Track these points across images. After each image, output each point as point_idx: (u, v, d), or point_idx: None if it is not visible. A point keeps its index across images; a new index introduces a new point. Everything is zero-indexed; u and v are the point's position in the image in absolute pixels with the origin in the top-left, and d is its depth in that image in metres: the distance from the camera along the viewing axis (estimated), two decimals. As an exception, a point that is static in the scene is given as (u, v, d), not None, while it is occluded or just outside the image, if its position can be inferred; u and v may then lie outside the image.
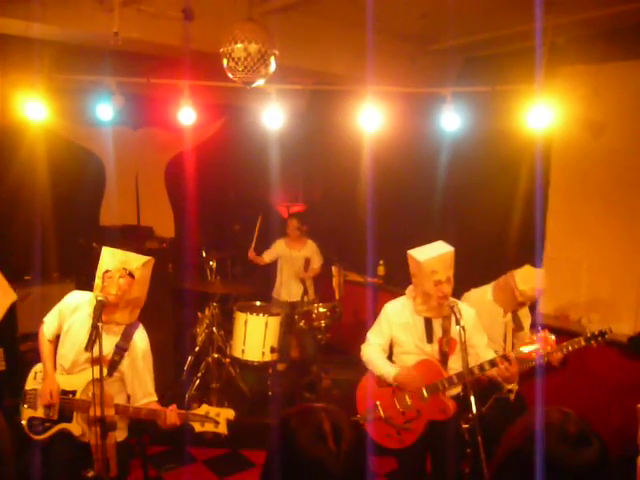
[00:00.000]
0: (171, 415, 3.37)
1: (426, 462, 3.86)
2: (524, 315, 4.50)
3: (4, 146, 6.09)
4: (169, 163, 7.98)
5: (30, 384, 3.60)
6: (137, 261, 3.47)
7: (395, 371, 3.74)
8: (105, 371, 3.32)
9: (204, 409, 3.41)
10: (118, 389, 3.54)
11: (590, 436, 1.49)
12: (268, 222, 6.98)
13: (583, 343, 3.99)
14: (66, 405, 3.46)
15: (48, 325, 3.61)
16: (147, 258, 3.52)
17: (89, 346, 3.29)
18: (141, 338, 3.58)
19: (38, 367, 3.63)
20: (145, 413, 3.45)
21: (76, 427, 3.44)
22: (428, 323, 3.73)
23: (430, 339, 3.72)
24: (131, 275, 3.42)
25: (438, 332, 3.71)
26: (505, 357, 3.54)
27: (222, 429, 3.37)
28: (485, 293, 4.45)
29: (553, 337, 3.61)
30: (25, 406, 3.54)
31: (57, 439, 3.49)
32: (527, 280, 4.19)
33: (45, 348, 3.60)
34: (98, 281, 3.43)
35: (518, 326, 4.41)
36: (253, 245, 6.85)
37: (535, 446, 1.48)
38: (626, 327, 5.31)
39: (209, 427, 3.38)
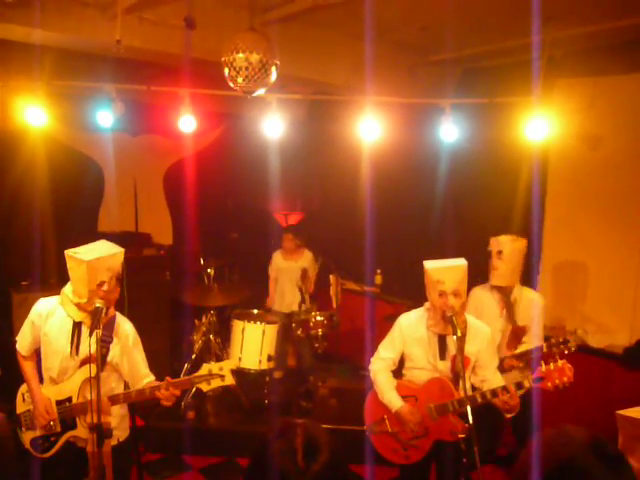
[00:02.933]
0: (170, 387, 3.35)
1: (430, 477, 3.82)
2: (526, 306, 4.49)
3: (4, 151, 6.10)
4: (168, 170, 8.01)
5: (21, 407, 3.51)
6: (119, 259, 3.40)
7: (399, 404, 3.66)
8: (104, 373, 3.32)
9: (206, 368, 3.42)
10: (116, 380, 3.52)
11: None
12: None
13: (545, 350, 3.96)
14: (66, 413, 3.40)
15: (22, 341, 3.51)
16: (122, 250, 3.44)
17: (74, 350, 3.34)
18: (126, 324, 3.55)
19: (24, 388, 3.54)
20: (149, 392, 3.39)
21: (83, 431, 3.39)
22: (442, 339, 3.62)
23: (443, 356, 3.63)
24: (118, 277, 3.39)
25: (452, 349, 3.58)
26: (506, 388, 3.43)
27: (229, 380, 3.42)
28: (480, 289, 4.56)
29: (572, 369, 3.41)
30: (23, 429, 3.47)
31: (59, 448, 3.44)
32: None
33: (26, 367, 3.50)
34: (90, 294, 3.29)
35: (511, 322, 4.42)
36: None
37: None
38: (622, 338, 5.33)
39: (216, 383, 3.41)
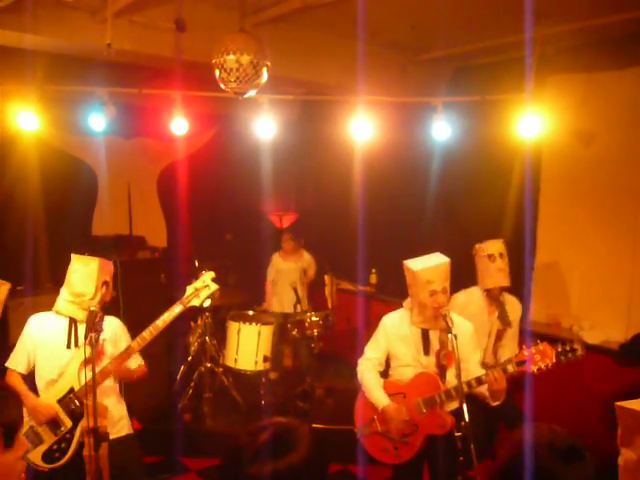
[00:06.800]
0: None
1: (423, 476, 3.82)
2: (512, 309, 4.54)
3: (-3, 156, 6.08)
4: (161, 173, 7.99)
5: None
6: (112, 267, 3.69)
7: (386, 402, 3.68)
8: (103, 363, 3.43)
9: (191, 288, 3.62)
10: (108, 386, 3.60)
11: (581, 451, 1.52)
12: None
13: (554, 360, 3.89)
14: (72, 404, 3.43)
15: (18, 363, 3.52)
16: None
17: (72, 343, 3.47)
18: (111, 320, 3.66)
19: None
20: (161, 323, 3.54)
21: None
22: (425, 335, 3.67)
23: (427, 351, 3.66)
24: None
25: (435, 344, 3.63)
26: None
27: (214, 287, 3.63)
28: (471, 293, 4.58)
29: (553, 350, 3.41)
30: (30, 449, 3.40)
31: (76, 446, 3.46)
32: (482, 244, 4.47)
33: (20, 386, 3.48)
34: (96, 290, 3.48)
35: (505, 322, 4.43)
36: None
37: (525, 463, 1.50)
38: (618, 334, 5.33)
39: (205, 294, 3.61)
